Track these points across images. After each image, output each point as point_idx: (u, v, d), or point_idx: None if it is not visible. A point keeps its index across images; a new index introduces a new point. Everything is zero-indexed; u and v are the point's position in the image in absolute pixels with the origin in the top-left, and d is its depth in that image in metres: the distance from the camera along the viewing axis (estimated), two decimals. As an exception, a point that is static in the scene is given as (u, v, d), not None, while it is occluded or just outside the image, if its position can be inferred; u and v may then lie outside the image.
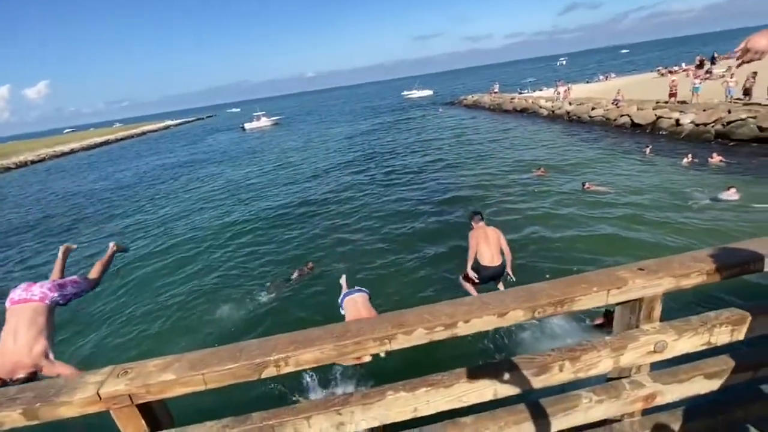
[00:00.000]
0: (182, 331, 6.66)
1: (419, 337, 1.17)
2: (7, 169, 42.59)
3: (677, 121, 15.33)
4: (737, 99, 15.39)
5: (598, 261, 6.78)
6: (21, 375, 2.40)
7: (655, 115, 16.59)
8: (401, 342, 1.17)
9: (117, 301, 8.01)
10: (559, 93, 26.46)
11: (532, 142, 18.07)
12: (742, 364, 1.43)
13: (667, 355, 1.31)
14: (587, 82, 35.54)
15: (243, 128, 51.15)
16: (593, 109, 20.52)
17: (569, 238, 8.02)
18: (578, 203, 9.84)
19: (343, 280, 5.26)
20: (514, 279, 4.99)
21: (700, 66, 25.08)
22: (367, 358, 3.61)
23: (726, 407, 1.51)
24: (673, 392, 1.38)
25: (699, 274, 1.28)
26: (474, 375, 1.22)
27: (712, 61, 27.30)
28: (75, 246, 3.54)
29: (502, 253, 5.01)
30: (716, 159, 11.18)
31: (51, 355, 2.49)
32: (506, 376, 1.23)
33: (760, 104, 13.76)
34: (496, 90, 38.73)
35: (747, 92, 15.14)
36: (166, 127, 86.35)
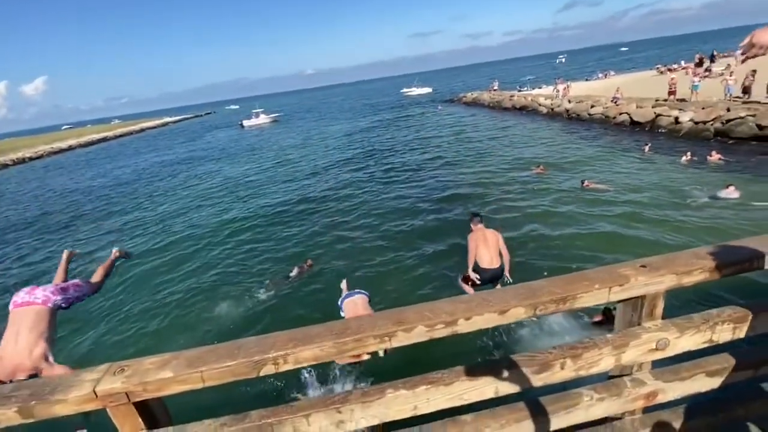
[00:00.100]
0: (181, 329, 6.65)
1: (420, 334, 1.16)
2: (5, 166, 42.44)
3: (676, 119, 15.32)
4: (736, 97, 15.39)
5: (597, 258, 6.78)
6: (21, 377, 2.41)
7: (654, 113, 16.58)
8: (401, 339, 1.16)
9: (115, 299, 7.98)
10: (558, 91, 26.42)
11: (532, 140, 18.05)
12: (743, 362, 1.42)
13: (669, 352, 1.31)
14: (587, 79, 35.50)
15: (242, 125, 50.95)
16: (592, 106, 20.51)
17: (568, 235, 8.02)
18: (577, 201, 9.83)
19: (343, 284, 5.28)
20: (511, 281, 5.01)
21: (700, 64, 25.05)
22: (366, 357, 3.62)
23: (727, 405, 1.50)
24: (675, 390, 1.37)
25: (701, 272, 1.27)
26: (474, 373, 1.21)
27: (712, 59, 27.27)
28: (78, 251, 3.64)
29: (501, 255, 5.03)
30: (715, 157, 11.18)
31: (51, 358, 2.51)
32: (507, 374, 1.22)
33: (759, 102, 13.76)
34: (495, 87, 38.68)
35: (746, 90, 15.14)
36: (165, 124, 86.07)
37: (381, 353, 3.66)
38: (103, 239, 12.32)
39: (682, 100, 16.93)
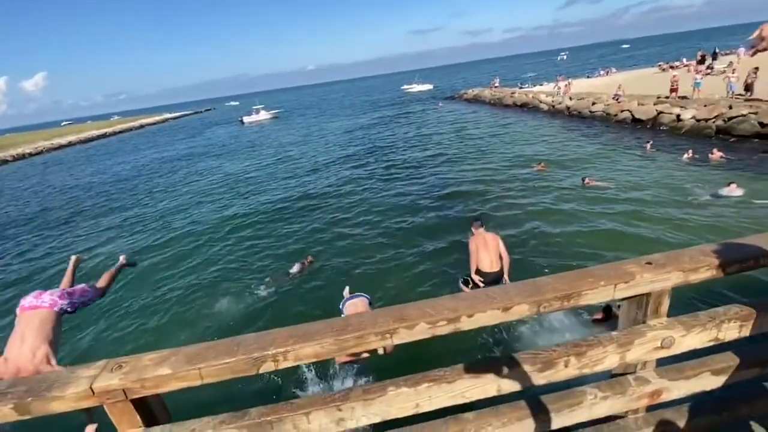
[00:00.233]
0: (181, 325, 6.64)
1: (421, 331, 1.14)
2: (5, 161, 42.40)
3: (678, 116, 15.27)
4: (738, 95, 15.32)
5: (598, 256, 6.77)
6: None
7: (656, 110, 16.52)
8: (403, 337, 1.14)
9: (115, 295, 7.97)
10: (559, 88, 26.33)
11: (533, 137, 18.00)
12: (748, 361, 1.41)
13: (674, 351, 1.29)
14: (588, 76, 35.40)
15: (242, 122, 50.84)
16: (594, 104, 20.44)
17: (569, 233, 8.00)
18: (578, 199, 9.81)
19: (346, 291, 5.35)
20: None
21: (702, 61, 24.93)
22: (365, 355, 3.63)
23: (731, 404, 1.49)
24: (680, 388, 1.36)
25: (708, 269, 1.25)
26: (477, 371, 1.20)
27: (714, 56, 27.15)
28: (85, 257, 3.80)
29: (501, 259, 5.09)
30: (717, 155, 11.14)
31: (53, 361, 2.52)
32: (510, 371, 1.20)
33: (761, 100, 13.69)
34: (496, 84, 38.57)
35: (748, 88, 15.06)
36: (164, 121, 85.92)
37: (381, 351, 3.65)
38: (103, 235, 12.31)
39: (684, 97, 16.86)
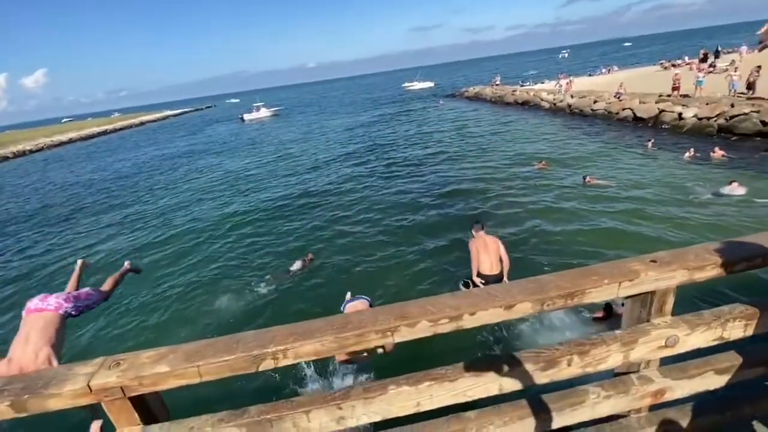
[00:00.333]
0: (181, 323, 6.64)
1: (423, 329, 1.13)
2: (5, 158, 42.38)
3: (680, 114, 15.21)
4: (741, 93, 15.25)
5: (599, 255, 6.75)
6: None
7: (658, 108, 16.46)
8: (404, 334, 1.13)
9: (115, 291, 7.97)
10: (561, 86, 26.25)
11: (534, 135, 17.95)
12: (752, 360, 1.39)
13: (678, 350, 1.28)
14: (589, 75, 35.28)
15: (242, 119, 50.77)
16: (595, 102, 20.37)
17: (570, 231, 7.98)
18: (579, 197, 9.78)
19: (348, 296, 5.35)
20: None
21: (704, 59, 24.83)
22: (363, 355, 3.63)
23: (734, 403, 1.48)
24: (683, 388, 1.34)
25: (713, 267, 1.24)
26: (479, 369, 1.18)
27: (716, 54, 27.04)
28: (91, 261, 3.87)
29: (501, 261, 5.12)
30: (718, 153, 11.10)
31: (55, 363, 2.55)
32: (512, 370, 1.19)
33: (763, 98, 13.64)
34: (497, 82, 38.46)
35: (750, 86, 14.99)
36: (165, 118, 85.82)
37: (380, 350, 3.64)
38: (103, 232, 12.31)
39: (686, 95, 16.80)
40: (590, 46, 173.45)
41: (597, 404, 1.32)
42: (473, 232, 5.30)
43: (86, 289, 3.04)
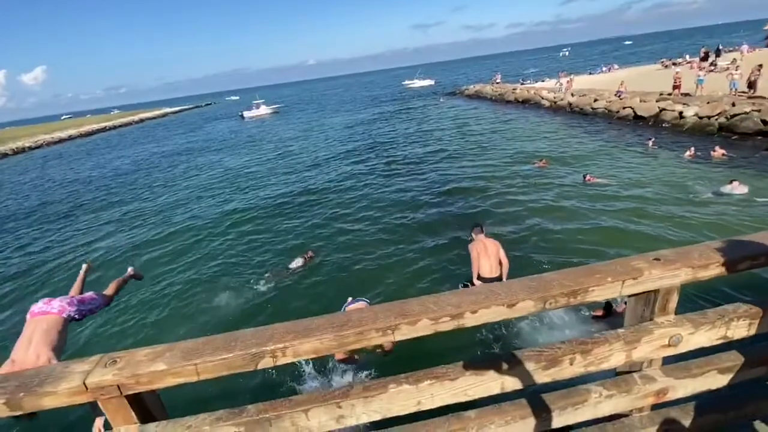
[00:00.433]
0: (180, 320, 6.64)
1: (424, 327, 1.11)
2: (5, 155, 42.30)
3: (680, 113, 15.19)
4: (741, 92, 15.21)
5: (599, 253, 6.74)
6: None
7: (659, 107, 16.43)
8: (405, 333, 1.11)
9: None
10: (561, 84, 26.19)
11: (534, 134, 17.92)
12: (755, 359, 1.38)
13: (681, 349, 1.26)
14: (590, 73, 35.15)
15: (242, 116, 50.63)
16: (596, 100, 20.33)
17: (570, 230, 7.97)
18: (580, 195, 9.77)
19: (348, 300, 5.36)
20: None
21: (705, 58, 24.78)
22: (356, 357, 3.62)
23: (737, 403, 1.47)
24: (686, 387, 1.33)
25: (718, 266, 1.22)
26: (480, 368, 1.17)
27: (717, 53, 26.97)
28: (95, 265, 4.14)
29: (501, 264, 5.14)
30: (719, 152, 11.08)
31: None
32: (514, 369, 1.17)
33: (764, 97, 13.61)
34: (498, 80, 38.36)
35: (751, 85, 14.96)
36: (165, 115, 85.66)
37: (379, 351, 3.63)
38: (102, 229, 12.29)
39: (687, 94, 16.76)
40: (591, 45, 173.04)
41: (599, 403, 1.31)
42: (473, 235, 5.34)
43: (90, 293, 3.10)
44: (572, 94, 22.87)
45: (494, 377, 1.17)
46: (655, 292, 1.24)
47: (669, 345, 1.23)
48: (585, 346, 1.20)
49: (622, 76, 24.26)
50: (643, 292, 1.25)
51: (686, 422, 1.41)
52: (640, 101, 17.54)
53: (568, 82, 25.68)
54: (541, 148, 14.80)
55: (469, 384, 1.16)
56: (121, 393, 1.04)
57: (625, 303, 1.43)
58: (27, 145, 47.10)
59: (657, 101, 16.85)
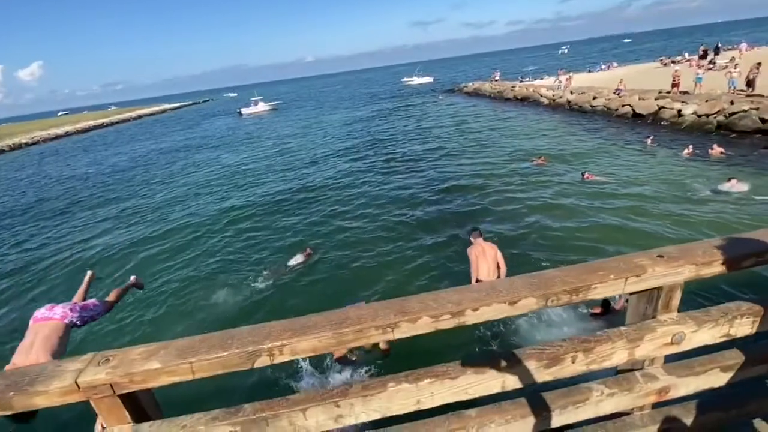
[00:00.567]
0: (177, 318, 6.61)
1: (424, 325, 1.09)
2: (1, 151, 42.07)
3: (679, 111, 15.19)
4: (740, 90, 15.23)
5: (598, 251, 6.75)
6: None
7: (657, 105, 16.43)
8: (405, 330, 1.09)
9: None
10: (560, 82, 26.16)
11: (533, 131, 17.91)
12: (757, 357, 1.37)
13: (684, 347, 1.25)
14: (589, 71, 35.12)
15: (240, 113, 50.42)
16: (595, 98, 20.32)
17: (569, 228, 7.97)
18: (578, 193, 9.77)
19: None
20: None
21: (704, 56, 24.77)
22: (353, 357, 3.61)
23: (739, 401, 1.45)
24: (688, 385, 1.32)
25: (722, 263, 1.20)
26: (481, 366, 1.15)
27: (716, 51, 26.98)
28: (99, 275, 4.28)
29: (499, 268, 5.17)
30: (717, 150, 11.09)
31: None
32: (515, 367, 1.15)
33: (762, 96, 13.62)
34: (497, 78, 38.30)
35: (750, 83, 14.96)
36: (162, 111, 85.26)
37: (382, 345, 3.62)
38: (99, 226, 12.23)
39: (686, 92, 16.76)
40: (590, 42, 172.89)
41: (600, 402, 1.29)
42: (472, 239, 5.38)
43: (92, 300, 3.18)
44: (571, 92, 22.85)
45: (495, 376, 1.15)
46: (659, 289, 1.22)
47: (672, 343, 1.21)
48: (587, 344, 1.18)
49: (621, 74, 24.25)
50: (646, 290, 1.23)
51: (688, 421, 1.40)
52: (639, 99, 17.54)
53: (567, 79, 25.65)
54: (539, 146, 14.79)
55: (469, 382, 1.14)
56: (114, 392, 1.01)
57: (626, 300, 1.42)
58: (23, 141, 46.83)
59: (656, 99, 16.86)
